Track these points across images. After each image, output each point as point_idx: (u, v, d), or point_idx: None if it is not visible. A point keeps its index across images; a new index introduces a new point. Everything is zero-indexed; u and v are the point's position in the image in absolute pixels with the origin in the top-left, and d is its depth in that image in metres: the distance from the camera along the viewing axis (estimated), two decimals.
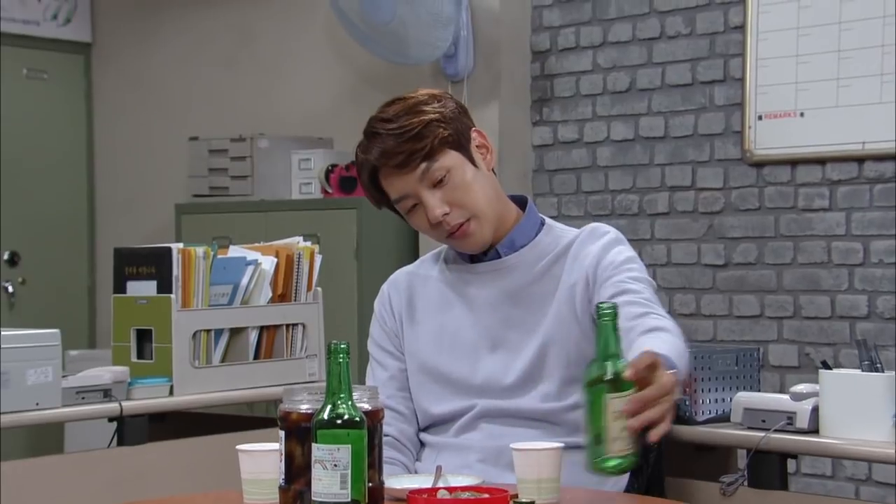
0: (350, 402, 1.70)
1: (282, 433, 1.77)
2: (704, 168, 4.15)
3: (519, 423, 2.12)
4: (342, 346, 1.71)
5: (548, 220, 2.22)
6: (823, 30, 3.86)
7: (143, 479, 3.02)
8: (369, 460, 1.72)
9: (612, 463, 1.68)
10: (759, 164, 4.02)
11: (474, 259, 2.19)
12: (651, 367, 1.67)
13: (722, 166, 4.11)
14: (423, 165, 2.09)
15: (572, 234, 2.18)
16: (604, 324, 1.70)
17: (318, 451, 1.68)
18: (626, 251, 2.14)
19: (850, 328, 3.85)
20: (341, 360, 1.71)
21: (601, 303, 1.72)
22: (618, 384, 1.67)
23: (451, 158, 2.10)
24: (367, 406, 1.76)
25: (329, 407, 1.69)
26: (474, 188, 2.12)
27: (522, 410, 2.12)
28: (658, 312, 2.01)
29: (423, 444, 2.23)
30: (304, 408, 1.76)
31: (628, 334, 1.89)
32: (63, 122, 5.76)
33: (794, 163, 3.95)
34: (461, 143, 2.12)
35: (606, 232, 2.16)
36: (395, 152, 2.08)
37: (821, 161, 3.90)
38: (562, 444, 1.85)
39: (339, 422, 1.68)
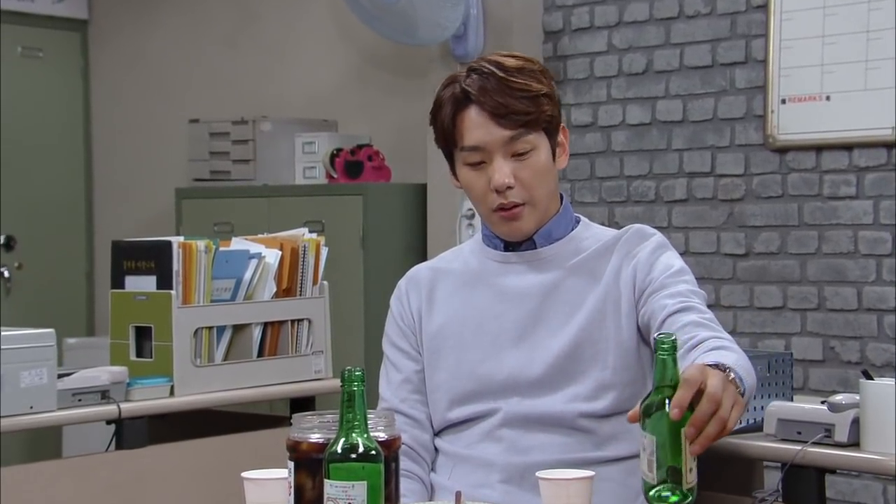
0: (366, 434, 1.58)
1: (291, 464, 1.66)
2: (725, 154, 4.06)
3: (545, 429, 2.01)
4: (356, 372, 1.60)
5: (583, 218, 2.15)
6: (851, 9, 3.75)
7: (143, 483, 2.97)
8: (386, 493, 1.62)
9: (689, 499, 1.56)
10: (783, 150, 3.93)
11: (507, 248, 2.10)
12: (698, 379, 1.57)
13: (743, 152, 4.02)
14: (518, 131, 2.01)
15: (614, 233, 2.10)
16: (663, 356, 1.58)
17: (330, 488, 1.57)
18: (676, 258, 2.05)
19: (878, 321, 3.76)
20: (355, 388, 1.59)
21: (661, 334, 1.61)
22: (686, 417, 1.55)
23: (540, 139, 2.04)
24: (382, 435, 1.66)
25: (342, 439, 1.58)
26: (544, 178, 2.05)
27: (549, 415, 2.01)
28: (724, 335, 1.92)
29: (436, 449, 2.11)
30: (315, 437, 1.65)
31: (691, 353, 1.82)
32: (59, 102, 5.71)
33: (819, 148, 3.86)
34: (552, 131, 2.07)
35: (653, 234, 2.08)
36: (501, 102, 2.00)
37: (847, 147, 3.81)
38: (592, 473, 1.73)
39: (353, 455, 1.57)
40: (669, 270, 1.99)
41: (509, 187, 2.01)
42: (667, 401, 1.55)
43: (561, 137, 2.08)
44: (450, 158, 2.08)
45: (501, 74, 2.00)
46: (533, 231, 2.07)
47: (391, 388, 2.11)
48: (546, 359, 2.01)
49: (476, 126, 2.01)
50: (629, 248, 2.04)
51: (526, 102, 2.00)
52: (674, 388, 1.55)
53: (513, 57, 2.05)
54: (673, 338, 1.58)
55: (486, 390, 2.04)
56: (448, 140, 2.05)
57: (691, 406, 1.55)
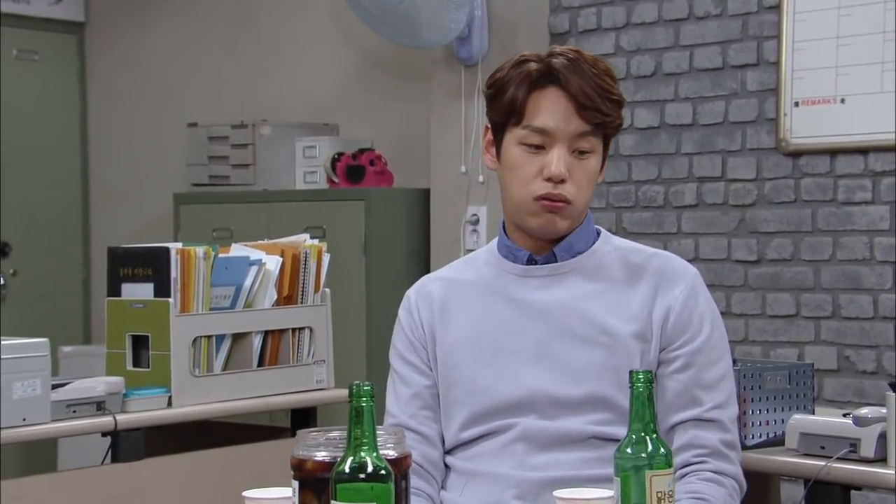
0: (375, 452, 1.50)
1: (295, 483, 1.58)
2: (736, 158, 3.98)
3: (563, 447, 1.93)
4: (365, 387, 1.52)
5: (602, 230, 2.07)
6: (866, 9, 3.67)
7: (140, 497, 2.94)
8: None
9: None
10: (796, 154, 3.86)
11: (528, 261, 2.02)
12: None
13: (755, 156, 3.95)
14: (591, 128, 1.94)
15: (640, 253, 2.02)
16: (638, 392, 1.58)
17: None
18: (709, 302, 1.99)
19: (894, 330, 3.68)
20: (364, 404, 1.51)
21: (635, 371, 1.59)
22: (657, 461, 1.57)
23: (599, 146, 1.97)
24: (392, 453, 1.57)
25: (350, 457, 1.50)
26: (590, 184, 1.98)
27: (568, 433, 1.93)
28: (717, 466, 1.92)
29: (447, 466, 2.02)
30: (321, 455, 1.57)
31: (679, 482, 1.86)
32: (55, 105, 5.65)
33: (833, 152, 3.78)
34: (609, 143, 2.01)
35: (686, 270, 2.00)
36: (587, 92, 1.91)
37: (862, 151, 3.72)
38: (611, 493, 1.64)
39: (361, 475, 1.49)
40: (701, 335, 1.94)
41: (563, 180, 1.94)
42: (646, 449, 1.57)
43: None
44: (499, 133, 1.99)
45: (587, 66, 1.93)
46: (564, 233, 1.99)
47: (399, 404, 2.03)
48: (567, 382, 1.93)
49: (553, 109, 1.92)
50: (661, 282, 1.96)
51: (608, 103, 1.93)
52: (649, 431, 1.57)
53: (588, 54, 1.97)
54: (648, 374, 1.58)
55: (503, 408, 1.96)
56: (510, 115, 1.95)
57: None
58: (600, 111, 1.92)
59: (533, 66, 1.94)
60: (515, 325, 1.97)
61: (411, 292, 2.08)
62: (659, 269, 1.98)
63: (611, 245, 2.03)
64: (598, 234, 2.05)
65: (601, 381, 1.92)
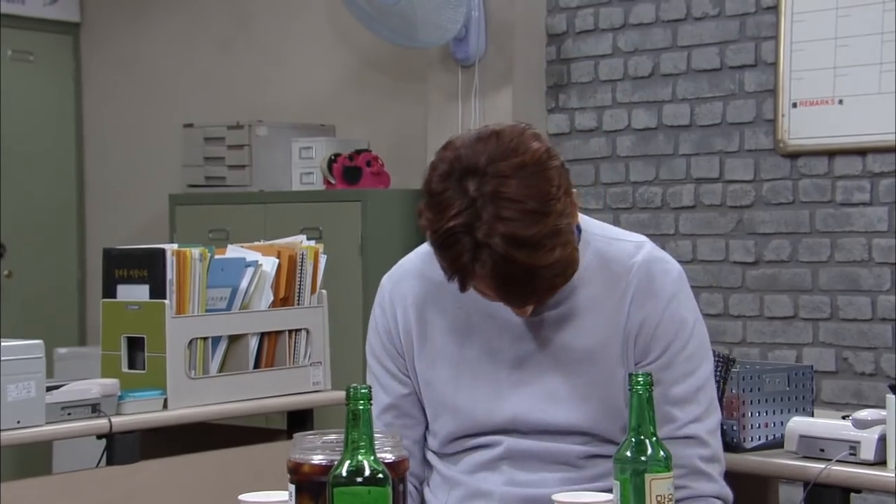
0: (372, 456, 1.49)
1: (292, 486, 1.57)
2: (733, 159, 3.99)
3: (550, 467, 1.90)
4: (362, 390, 1.50)
5: (582, 223, 1.91)
6: (864, 10, 3.68)
7: (135, 500, 2.91)
8: None
9: None
10: (794, 155, 3.86)
11: None
12: None
13: (752, 157, 3.95)
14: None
15: (622, 265, 1.90)
16: (638, 395, 1.56)
17: None
18: (688, 308, 1.90)
19: (893, 331, 3.68)
20: (361, 407, 1.50)
21: (635, 374, 1.56)
22: (657, 464, 1.56)
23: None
24: (389, 457, 1.57)
25: (347, 461, 1.49)
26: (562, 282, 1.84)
27: (556, 454, 1.90)
28: (696, 489, 1.86)
29: (430, 465, 1.99)
30: (318, 459, 1.56)
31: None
32: (50, 106, 5.64)
33: (831, 153, 3.79)
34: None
35: (665, 278, 1.89)
36: (518, 298, 1.80)
37: (861, 152, 3.73)
38: (610, 498, 1.62)
39: (359, 479, 1.48)
40: (671, 349, 1.86)
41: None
42: (645, 453, 1.56)
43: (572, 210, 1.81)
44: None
45: (522, 259, 1.73)
46: None
47: (376, 409, 1.95)
48: (548, 408, 1.89)
49: (479, 287, 1.80)
50: (637, 294, 1.87)
51: (545, 281, 1.77)
52: (648, 435, 1.56)
53: (528, 198, 1.72)
54: (646, 377, 1.56)
55: (485, 430, 1.92)
56: (453, 275, 1.80)
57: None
58: (539, 294, 1.80)
59: (465, 242, 1.77)
60: (494, 345, 1.91)
61: (386, 284, 2.02)
62: (637, 278, 1.88)
63: (590, 250, 1.90)
64: (579, 231, 1.90)
65: (580, 410, 1.88)
